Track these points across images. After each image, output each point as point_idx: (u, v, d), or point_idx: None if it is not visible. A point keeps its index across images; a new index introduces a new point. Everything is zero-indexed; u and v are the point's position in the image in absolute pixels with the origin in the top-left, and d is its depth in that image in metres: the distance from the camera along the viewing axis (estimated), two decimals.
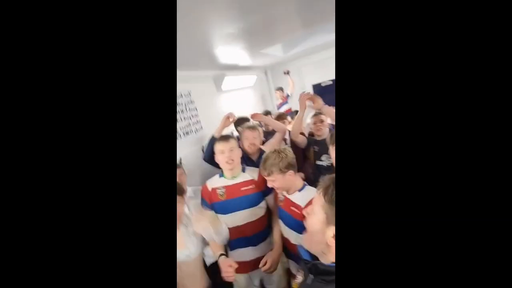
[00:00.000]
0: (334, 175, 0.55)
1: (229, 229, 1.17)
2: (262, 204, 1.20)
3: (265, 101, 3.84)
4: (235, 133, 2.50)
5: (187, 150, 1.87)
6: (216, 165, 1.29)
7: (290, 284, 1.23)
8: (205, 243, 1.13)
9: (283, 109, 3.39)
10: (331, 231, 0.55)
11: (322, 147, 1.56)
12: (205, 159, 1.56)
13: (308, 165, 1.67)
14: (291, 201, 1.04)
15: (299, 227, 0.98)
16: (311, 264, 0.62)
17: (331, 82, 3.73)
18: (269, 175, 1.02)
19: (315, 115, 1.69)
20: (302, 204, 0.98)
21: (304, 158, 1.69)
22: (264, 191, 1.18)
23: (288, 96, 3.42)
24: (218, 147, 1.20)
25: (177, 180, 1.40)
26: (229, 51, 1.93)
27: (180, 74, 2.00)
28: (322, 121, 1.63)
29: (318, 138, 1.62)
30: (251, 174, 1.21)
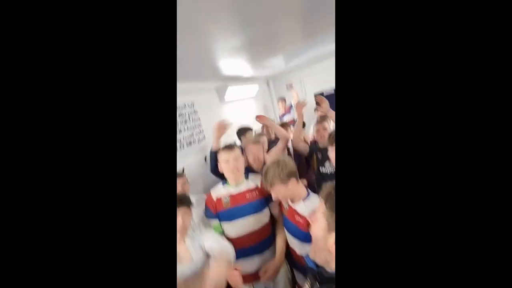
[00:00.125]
0: (334, 182, 0.55)
1: (235, 238, 1.16)
2: (266, 211, 1.20)
3: (267, 111, 3.87)
4: (238, 142, 2.52)
5: (190, 160, 1.88)
6: (221, 176, 1.28)
7: None
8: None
9: (286, 119, 3.41)
10: (332, 238, 0.54)
11: (325, 154, 1.55)
12: (212, 172, 1.55)
13: (312, 172, 1.66)
14: (295, 211, 1.02)
15: (304, 237, 0.98)
16: (316, 272, 0.61)
17: (333, 91, 3.76)
18: (271, 187, 1.01)
19: (318, 122, 1.69)
20: (306, 214, 0.98)
21: (308, 165, 1.68)
22: (267, 197, 1.18)
23: (291, 107, 3.45)
24: (223, 156, 1.20)
25: (180, 189, 1.41)
26: (232, 63, 1.97)
27: (184, 85, 2.04)
28: (325, 129, 1.64)
29: (321, 146, 1.62)
30: (254, 181, 1.22)
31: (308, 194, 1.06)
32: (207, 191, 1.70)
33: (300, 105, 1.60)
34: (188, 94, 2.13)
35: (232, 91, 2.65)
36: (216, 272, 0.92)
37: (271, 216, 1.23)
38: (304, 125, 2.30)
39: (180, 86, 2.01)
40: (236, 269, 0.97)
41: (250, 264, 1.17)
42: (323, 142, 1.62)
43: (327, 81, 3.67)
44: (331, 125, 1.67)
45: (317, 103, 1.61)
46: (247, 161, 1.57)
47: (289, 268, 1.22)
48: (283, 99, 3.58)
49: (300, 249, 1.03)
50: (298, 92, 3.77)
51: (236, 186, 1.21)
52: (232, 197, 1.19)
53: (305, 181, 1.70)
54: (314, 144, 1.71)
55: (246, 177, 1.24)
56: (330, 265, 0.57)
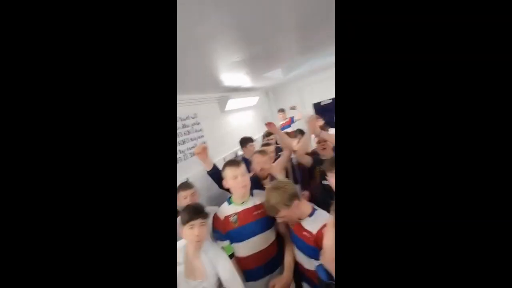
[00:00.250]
0: None
1: (246, 257, 1.14)
2: (273, 228, 1.20)
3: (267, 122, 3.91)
4: (240, 153, 2.56)
5: (194, 171, 1.90)
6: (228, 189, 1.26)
7: None
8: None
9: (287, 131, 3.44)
10: None
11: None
12: (220, 188, 1.53)
13: (314, 184, 1.68)
14: (303, 227, 1.03)
15: (312, 252, 0.98)
16: (325, 285, 0.64)
17: (330, 101, 3.84)
18: (276, 213, 1.01)
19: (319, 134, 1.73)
20: (314, 230, 0.98)
21: (310, 177, 1.71)
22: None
23: (293, 121, 3.48)
24: (230, 173, 1.17)
25: (189, 200, 1.40)
26: (232, 76, 2.02)
27: (186, 97, 2.08)
28: (326, 140, 1.67)
29: (323, 158, 1.65)
30: (260, 198, 1.21)
31: (314, 210, 1.06)
32: (211, 203, 1.72)
33: (313, 120, 1.61)
34: (190, 105, 2.17)
35: (233, 102, 2.70)
36: None
37: (277, 233, 1.23)
38: (302, 133, 2.34)
39: (183, 98, 2.05)
40: None
41: (260, 285, 1.16)
42: (324, 154, 1.65)
43: (325, 91, 3.76)
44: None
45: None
46: (254, 171, 1.56)
47: (295, 286, 1.21)
48: (283, 110, 3.63)
49: (308, 264, 1.03)
50: (297, 101, 3.84)
51: (242, 203, 1.19)
52: (240, 215, 1.17)
53: (306, 193, 1.73)
54: (316, 157, 1.74)
55: (252, 194, 1.23)
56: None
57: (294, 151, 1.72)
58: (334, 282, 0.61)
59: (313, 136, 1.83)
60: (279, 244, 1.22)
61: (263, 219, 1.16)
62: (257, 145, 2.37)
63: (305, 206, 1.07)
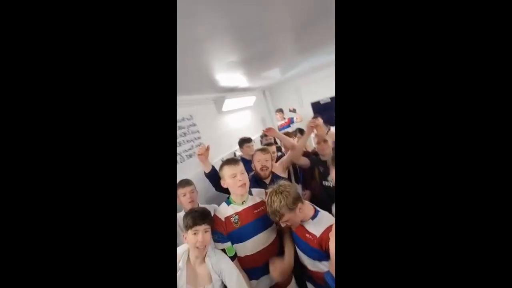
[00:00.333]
0: None
1: (247, 257, 1.12)
2: (273, 225, 1.18)
3: (265, 122, 3.88)
4: (238, 153, 2.52)
5: (191, 173, 1.86)
6: (226, 191, 1.23)
7: None
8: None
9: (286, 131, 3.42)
10: None
11: (327, 168, 1.55)
12: (216, 190, 1.51)
13: (315, 185, 1.65)
14: (306, 229, 1.01)
15: (316, 255, 0.97)
16: None
17: (329, 100, 3.80)
18: (281, 218, 0.98)
19: (318, 135, 1.70)
20: (317, 233, 0.97)
21: (311, 177, 1.68)
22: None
23: (292, 121, 3.46)
24: (228, 171, 1.14)
25: (188, 197, 1.37)
26: (229, 76, 1.99)
27: (182, 98, 2.03)
28: (325, 141, 1.64)
29: (323, 158, 1.62)
30: (259, 196, 1.20)
31: (316, 211, 1.05)
32: (208, 203, 1.68)
33: (313, 124, 1.61)
34: (186, 106, 2.12)
35: (230, 102, 2.66)
36: None
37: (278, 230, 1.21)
38: (302, 132, 2.32)
39: (179, 99, 2.00)
40: None
41: (264, 283, 1.14)
42: (324, 154, 1.62)
43: (323, 90, 3.72)
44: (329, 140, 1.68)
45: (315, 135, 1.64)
46: (255, 170, 1.53)
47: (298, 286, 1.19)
48: (281, 110, 3.60)
49: (312, 266, 1.02)
50: (295, 100, 3.81)
51: (242, 203, 1.16)
52: (241, 214, 1.14)
53: (308, 192, 1.70)
54: (315, 157, 1.71)
55: (250, 193, 1.21)
56: None
57: (292, 150, 1.69)
58: None
59: (312, 135, 1.80)
60: (280, 241, 1.20)
61: (264, 217, 1.13)
62: (255, 146, 2.33)
63: (308, 208, 1.05)
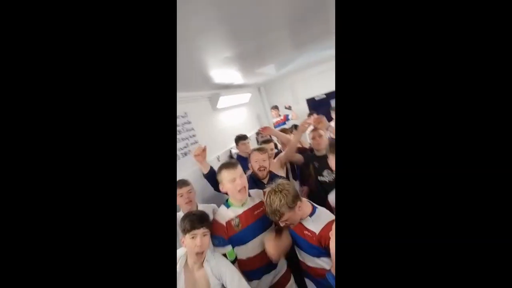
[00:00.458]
0: None
1: (248, 259, 1.11)
2: (273, 225, 1.17)
3: (260, 119, 3.87)
4: (234, 151, 2.51)
5: (187, 171, 1.84)
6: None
7: None
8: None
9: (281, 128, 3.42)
10: None
11: (323, 163, 1.55)
12: (215, 190, 1.48)
13: (311, 181, 1.65)
14: (304, 227, 1.01)
15: (315, 251, 0.98)
16: None
17: (324, 96, 3.81)
18: (281, 217, 0.97)
19: (314, 130, 1.70)
20: (316, 230, 0.97)
21: (307, 173, 1.68)
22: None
23: (288, 119, 3.45)
24: (227, 175, 1.11)
25: (185, 198, 1.35)
26: (224, 72, 1.97)
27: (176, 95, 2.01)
28: (320, 136, 1.64)
29: (318, 154, 1.62)
30: (258, 196, 1.19)
31: (314, 208, 1.05)
32: (205, 203, 1.67)
33: (305, 124, 1.63)
34: (180, 104, 2.10)
35: (225, 99, 2.64)
36: None
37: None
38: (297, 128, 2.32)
39: None
40: None
41: (265, 282, 1.13)
42: (319, 149, 1.62)
43: (319, 86, 3.72)
44: (327, 133, 1.68)
45: (314, 127, 1.64)
46: (252, 170, 1.53)
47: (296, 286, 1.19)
48: (276, 107, 3.59)
49: (311, 262, 1.02)
50: (289, 96, 3.80)
51: (241, 205, 1.14)
52: (241, 217, 1.12)
53: (306, 188, 1.70)
54: (310, 153, 1.71)
55: (249, 195, 1.19)
56: None
57: (285, 146, 1.70)
58: None
59: (308, 131, 1.80)
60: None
61: (264, 218, 1.12)
62: (251, 143, 2.33)
63: (306, 206, 1.05)
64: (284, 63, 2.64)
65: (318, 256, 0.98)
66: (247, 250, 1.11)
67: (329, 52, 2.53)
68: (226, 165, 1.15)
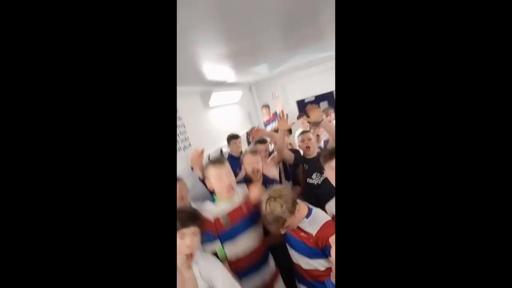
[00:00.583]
0: None
1: (238, 260, 1.09)
2: (261, 223, 1.17)
3: (251, 117, 3.88)
4: (225, 149, 2.50)
5: (178, 168, 1.82)
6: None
7: None
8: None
9: (271, 126, 3.43)
10: None
11: (312, 166, 1.59)
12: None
13: (300, 182, 1.69)
14: (301, 229, 1.01)
15: (312, 253, 0.97)
16: None
17: (313, 98, 3.88)
18: (283, 224, 0.95)
19: (303, 133, 1.73)
20: (313, 232, 0.96)
21: (297, 174, 1.71)
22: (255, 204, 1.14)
23: (276, 114, 3.47)
24: (213, 172, 1.08)
25: (179, 194, 1.27)
26: (216, 69, 1.96)
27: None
28: (310, 139, 1.67)
29: (308, 157, 1.66)
30: (244, 192, 1.18)
31: (310, 209, 1.05)
32: (194, 202, 1.67)
33: (283, 116, 1.62)
34: None
35: (217, 96, 2.63)
36: None
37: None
38: (290, 132, 2.34)
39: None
40: None
41: (254, 283, 1.13)
42: (308, 153, 1.66)
43: (309, 88, 3.78)
44: (322, 135, 1.71)
45: (307, 115, 1.64)
46: (246, 173, 1.50)
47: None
48: (267, 106, 3.61)
49: (307, 265, 1.02)
50: (282, 99, 3.83)
51: (229, 202, 1.13)
52: (230, 214, 1.11)
53: (299, 188, 1.71)
54: (300, 154, 1.74)
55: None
56: None
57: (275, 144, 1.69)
58: None
59: (297, 133, 1.84)
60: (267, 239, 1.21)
61: (252, 214, 1.12)
62: (243, 142, 2.34)
63: (303, 208, 1.05)
64: (277, 63, 2.66)
65: (314, 257, 0.98)
66: (236, 248, 1.10)
67: (321, 55, 2.58)
68: (213, 162, 1.13)
